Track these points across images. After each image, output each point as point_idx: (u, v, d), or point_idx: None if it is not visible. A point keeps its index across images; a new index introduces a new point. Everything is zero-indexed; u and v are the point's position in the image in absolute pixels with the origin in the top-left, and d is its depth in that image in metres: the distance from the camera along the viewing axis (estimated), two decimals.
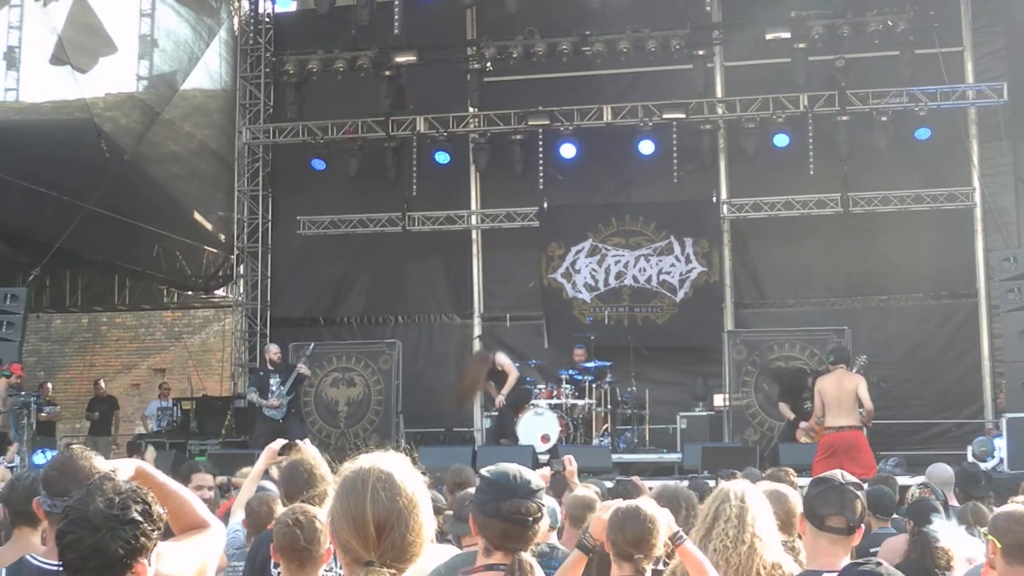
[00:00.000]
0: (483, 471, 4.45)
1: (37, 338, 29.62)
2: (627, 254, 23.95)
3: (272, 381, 20.97)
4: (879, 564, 4.83)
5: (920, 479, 12.20)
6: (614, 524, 5.56)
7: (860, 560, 5.20)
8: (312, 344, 22.34)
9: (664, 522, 5.66)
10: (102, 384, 26.28)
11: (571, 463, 9.99)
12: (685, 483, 9.93)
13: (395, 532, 3.45)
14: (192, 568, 4.58)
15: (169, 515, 4.68)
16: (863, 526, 5.75)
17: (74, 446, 5.29)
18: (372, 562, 3.42)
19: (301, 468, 7.21)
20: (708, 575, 5.61)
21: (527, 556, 4.30)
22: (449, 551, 5.51)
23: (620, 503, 5.81)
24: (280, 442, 8.11)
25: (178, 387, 26.67)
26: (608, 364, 21.95)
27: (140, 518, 3.73)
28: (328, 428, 23.55)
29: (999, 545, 6.26)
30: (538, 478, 4.47)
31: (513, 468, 4.42)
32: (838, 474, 5.78)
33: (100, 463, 4.70)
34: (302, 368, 21.24)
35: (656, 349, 23.18)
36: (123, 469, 4.48)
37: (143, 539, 3.72)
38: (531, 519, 4.31)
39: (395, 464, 3.58)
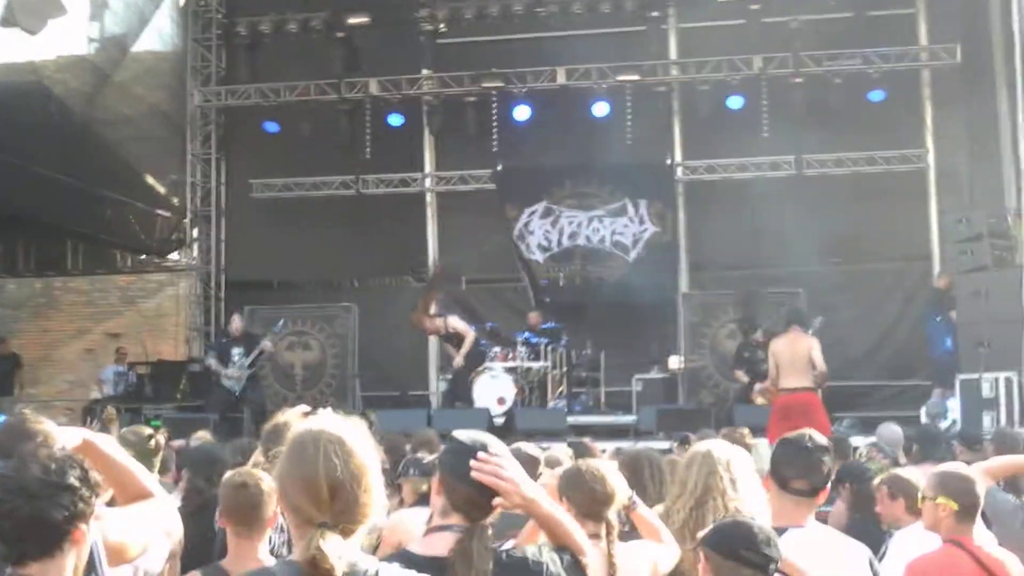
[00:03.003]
0: (456, 433, 4.39)
1: None
2: (580, 215, 23.95)
3: (234, 351, 20.99)
4: (752, 518, 4.85)
5: (873, 440, 12.30)
6: (575, 484, 5.53)
7: (733, 515, 5.23)
8: (282, 320, 22.36)
9: (615, 479, 5.64)
10: (6, 341, 25.94)
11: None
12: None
13: (348, 493, 3.45)
14: (139, 536, 4.57)
15: (114, 485, 4.68)
16: (827, 487, 5.76)
17: (25, 410, 5.23)
18: (325, 523, 3.41)
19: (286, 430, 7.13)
20: (663, 537, 5.61)
21: (485, 523, 4.26)
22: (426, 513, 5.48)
23: (582, 464, 5.78)
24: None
25: (132, 352, 26.43)
26: (561, 326, 21.98)
27: (78, 484, 3.71)
28: (284, 392, 23.52)
29: (955, 507, 6.30)
30: (506, 450, 4.42)
31: (487, 436, 4.36)
32: (806, 435, 5.79)
33: (50, 428, 4.66)
34: (267, 345, 21.29)
35: (608, 307, 23.16)
36: (69, 438, 4.46)
37: (81, 505, 3.70)
38: (492, 490, 4.27)
39: (344, 427, 3.57)
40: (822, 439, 5.83)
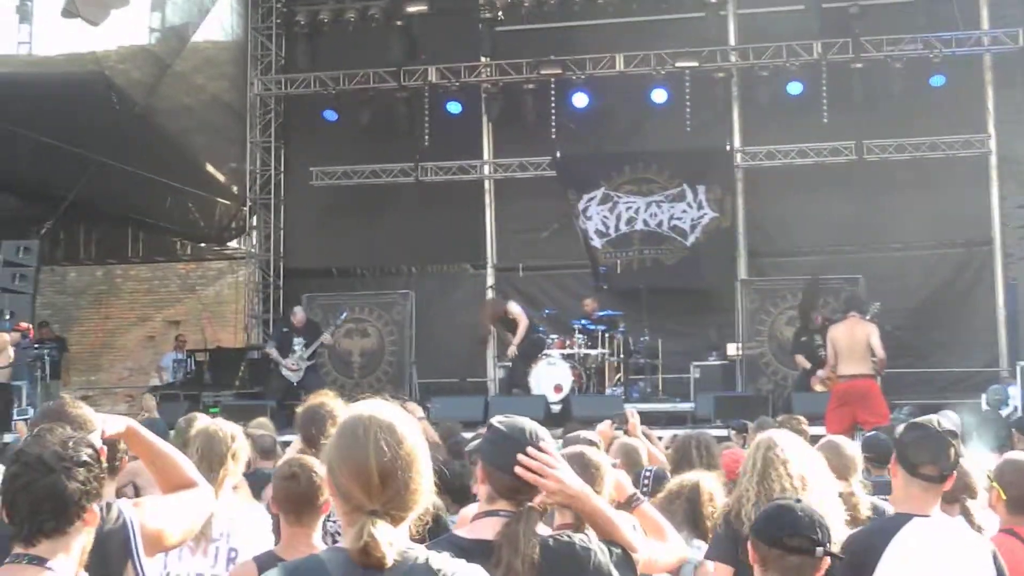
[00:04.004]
0: (494, 421, 4.38)
1: (52, 291, 29.65)
2: (639, 200, 23.86)
3: (296, 341, 21.17)
4: (798, 500, 4.79)
5: None
6: None
7: (781, 497, 5.17)
8: (344, 313, 22.51)
9: (609, 470, 5.51)
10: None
11: (633, 415, 9.59)
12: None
13: (399, 481, 3.42)
14: (179, 523, 4.58)
15: (157, 473, 4.70)
16: (954, 474, 5.68)
17: (64, 394, 5.26)
18: (376, 511, 3.40)
19: (322, 411, 7.21)
20: (667, 536, 5.53)
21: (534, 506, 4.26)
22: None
23: (565, 451, 5.65)
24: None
25: (192, 339, 26.66)
26: (619, 313, 21.97)
27: (91, 461, 3.73)
28: (342, 379, 23.61)
29: (1004, 496, 6.25)
30: (547, 435, 4.41)
31: (527, 423, 4.35)
32: (934, 420, 5.72)
33: (89, 413, 4.67)
34: (327, 338, 21.49)
35: (666, 292, 23.10)
36: (113, 424, 4.47)
37: (95, 483, 3.73)
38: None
39: (393, 413, 3.55)
40: (949, 424, 5.77)
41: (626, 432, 9.55)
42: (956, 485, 6.83)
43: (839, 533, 5.44)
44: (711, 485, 6.78)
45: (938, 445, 5.55)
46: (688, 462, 7.95)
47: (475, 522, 4.22)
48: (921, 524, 5.42)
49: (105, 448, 4.05)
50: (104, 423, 4.43)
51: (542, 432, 4.33)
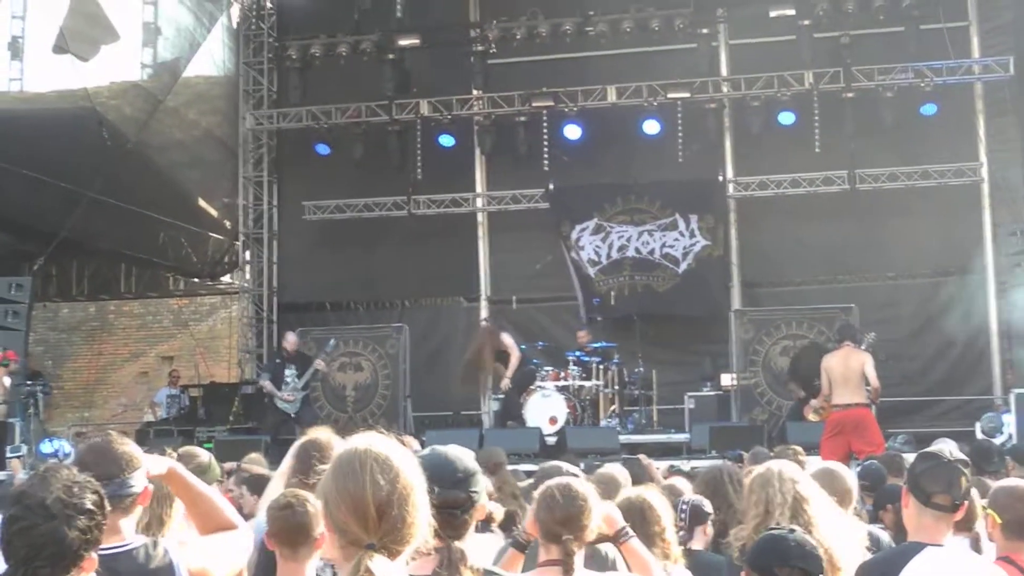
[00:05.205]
0: (419, 453, 4.35)
1: (45, 327, 29.63)
2: (631, 230, 23.85)
3: (287, 373, 21.08)
4: (792, 531, 4.77)
5: None
6: (541, 502, 5.19)
7: (777, 526, 5.15)
8: (332, 340, 22.45)
9: (596, 503, 5.38)
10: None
11: (646, 460, 9.41)
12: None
13: (395, 515, 3.40)
14: (220, 565, 4.56)
15: (197, 516, 4.69)
16: (965, 504, 5.66)
17: (111, 431, 5.20)
18: (372, 544, 3.37)
19: (315, 447, 7.13)
20: (652, 572, 5.49)
21: (460, 544, 4.23)
22: (492, 540, 5.24)
23: (551, 482, 5.45)
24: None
25: (186, 374, 26.64)
26: (613, 345, 21.94)
27: (94, 508, 3.69)
28: (336, 413, 23.52)
29: (999, 521, 6.23)
30: (471, 463, 4.36)
31: (444, 454, 4.31)
32: (946, 450, 5.72)
33: (136, 451, 4.63)
34: (320, 364, 21.39)
35: (659, 322, 23.10)
36: (155, 465, 4.45)
37: (96, 532, 3.69)
38: (458, 510, 4.23)
39: (389, 446, 3.53)
40: (961, 454, 5.76)
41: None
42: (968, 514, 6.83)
43: (852, 564, 5.45)
44: (658, 502, 6.58)
45: (950, 475, 5.56)
46: (723, 497, 7.80)
47: (415, 560, 4.19)
48: (934, 553, 5.40)
49: (151, 486, 4.01)
50: (147, 462, 4.42)
51: (460, 461, 4.30)
